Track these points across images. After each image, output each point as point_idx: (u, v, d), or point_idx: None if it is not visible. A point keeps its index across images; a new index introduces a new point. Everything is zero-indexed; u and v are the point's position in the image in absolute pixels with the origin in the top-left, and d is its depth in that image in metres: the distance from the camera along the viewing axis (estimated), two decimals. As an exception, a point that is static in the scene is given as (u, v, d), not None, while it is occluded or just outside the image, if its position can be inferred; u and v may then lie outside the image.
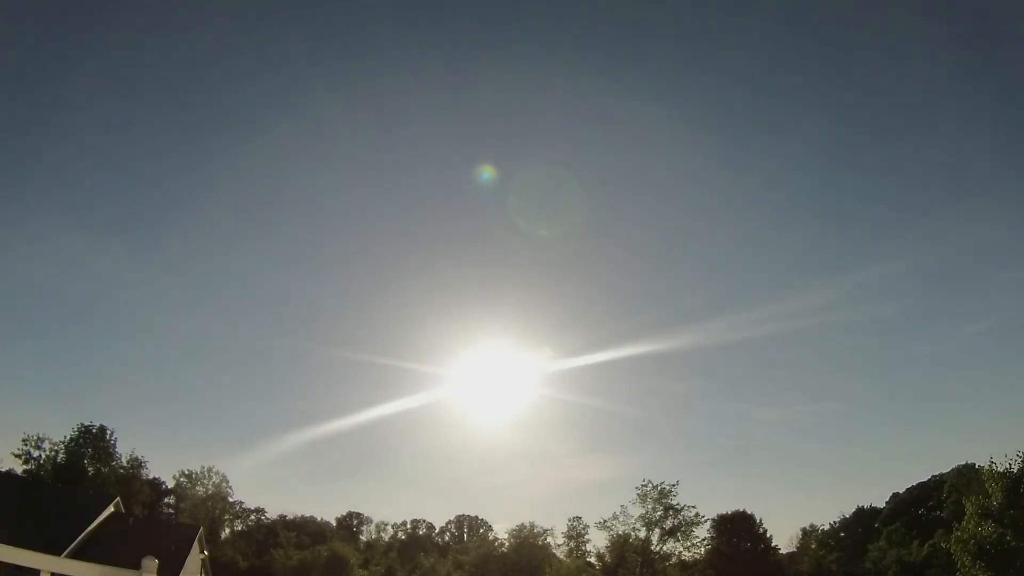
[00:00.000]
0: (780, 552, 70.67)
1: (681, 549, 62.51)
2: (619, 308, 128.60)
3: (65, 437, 57.83)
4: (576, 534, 75.89)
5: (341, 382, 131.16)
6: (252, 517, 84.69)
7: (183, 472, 76.84)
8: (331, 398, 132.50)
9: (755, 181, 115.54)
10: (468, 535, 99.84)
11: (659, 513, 61.11)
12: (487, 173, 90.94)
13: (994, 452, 33.67)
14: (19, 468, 54.78)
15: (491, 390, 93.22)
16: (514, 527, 73.43)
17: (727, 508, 67.72)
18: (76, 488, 49.42)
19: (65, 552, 32.90)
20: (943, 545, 43.53)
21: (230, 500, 79.82)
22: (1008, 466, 31.84)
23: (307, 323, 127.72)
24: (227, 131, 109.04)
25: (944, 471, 66.46)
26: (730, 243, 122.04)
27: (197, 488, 76.57)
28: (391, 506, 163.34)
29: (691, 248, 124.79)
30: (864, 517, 73.85)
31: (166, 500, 78.37)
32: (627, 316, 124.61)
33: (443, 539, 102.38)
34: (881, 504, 74.23)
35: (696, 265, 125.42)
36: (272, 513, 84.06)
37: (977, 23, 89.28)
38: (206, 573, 48.03)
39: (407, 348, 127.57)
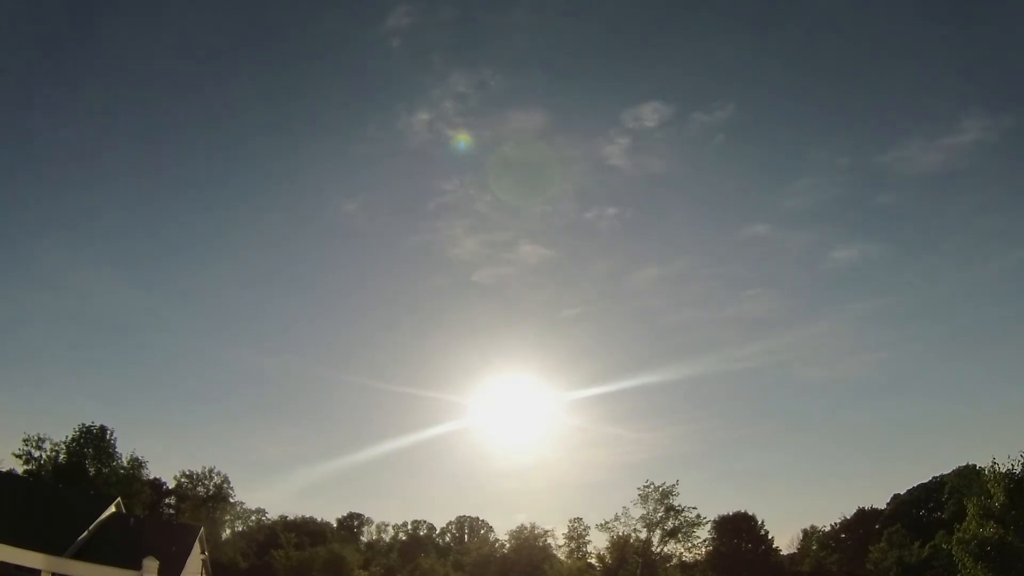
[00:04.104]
0: (781, 553, 70.71)
1: (682, 550, 62.48)
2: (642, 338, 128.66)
3: (66, 437, 57.81)
4: (576, 535, 75.98)
5: (358, 406, 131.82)
6: (252, 518, 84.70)
7: (184, 472, 77.01)
8: (344, 422, 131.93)
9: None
10: (468, 536, 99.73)
11: (660, 514, 61.04)
12: (463, 142, 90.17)
13: (994, 453, 33.64)
14: (20, 468, 54.77)
15: (512, 415, 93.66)
16: (514, 528, 73.58)
17: (728, 509, 67.88)
18: (77, 488, 49.30)
19: (66, 552, 32.87)
20: (944, 546, 43.50)
21: (231, 501, 79.82)
22: (1011, 467, 31.75)
23: (310, 341, 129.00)
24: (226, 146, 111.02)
25: (945, 472, 66.50)
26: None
27: (198, 489, 76.58)
28: (393, 503, 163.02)
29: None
30: (865, 518, 73.71)
31: (167, 500, 78.33)
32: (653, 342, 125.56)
33: (443, 540, 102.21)
34: (882, 505, 74.17)
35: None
36: (273, 514, 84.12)
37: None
38: (207, 573, 48.00)
39: (428, 377, 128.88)
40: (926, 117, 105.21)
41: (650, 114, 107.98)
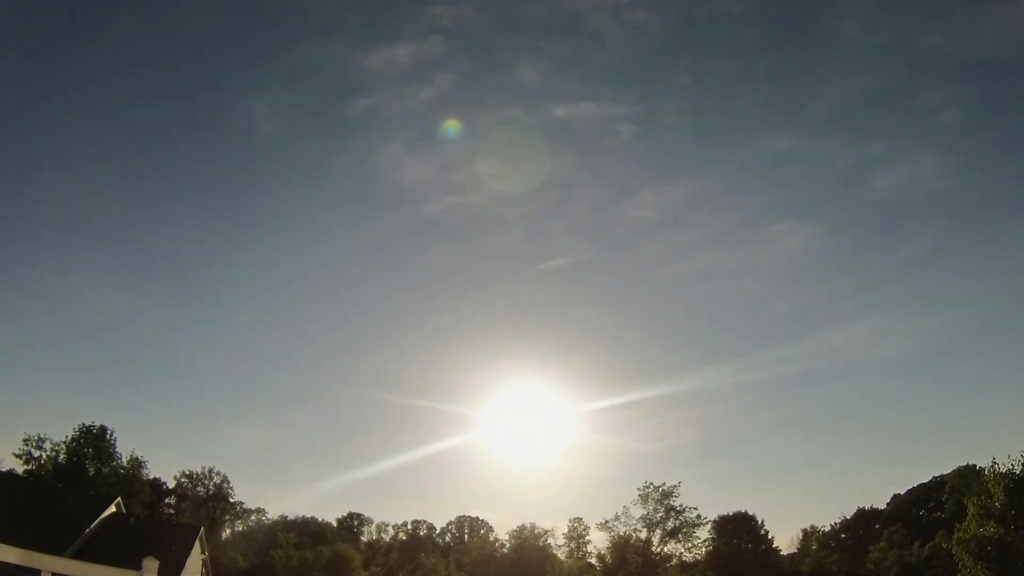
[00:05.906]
0: (781, 553, 70.74)
1: (682, 550, 62.62)
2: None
3: (66, 437, 57.82)
4: (577, 535, 75.99)
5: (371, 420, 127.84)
6: (252, 517, 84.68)
7: (184, 472, 77.06)
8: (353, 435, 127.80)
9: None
10: (469, 536, 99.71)
11: (660, 514, 61.15)
12: (452, 128, 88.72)
13: (995, 453, 33.59)
14: (20, 468, 54.80)
15: (523, 427, 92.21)
16: (515, 527, 73.52)
17: (728, 509, 67.90)
18: (77, 488, 49.37)
19: (66, 552, 32.85)
20: (944, 546, 43.48)
21: (231, 500, 79.89)
22: (1011, 467, 31.70)
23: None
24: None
25: (945, 472, 66.50)
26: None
27: (198, 489, 76.61)
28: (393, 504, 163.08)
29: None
30: (865, 518, 73.68)
31: (167, 500, 78.37)
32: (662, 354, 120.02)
33: (444, 540, 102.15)
34: (882, 505, 74.15)
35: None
36: (273, 513, 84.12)
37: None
38: (207, 573, 47.98)
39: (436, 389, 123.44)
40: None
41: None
